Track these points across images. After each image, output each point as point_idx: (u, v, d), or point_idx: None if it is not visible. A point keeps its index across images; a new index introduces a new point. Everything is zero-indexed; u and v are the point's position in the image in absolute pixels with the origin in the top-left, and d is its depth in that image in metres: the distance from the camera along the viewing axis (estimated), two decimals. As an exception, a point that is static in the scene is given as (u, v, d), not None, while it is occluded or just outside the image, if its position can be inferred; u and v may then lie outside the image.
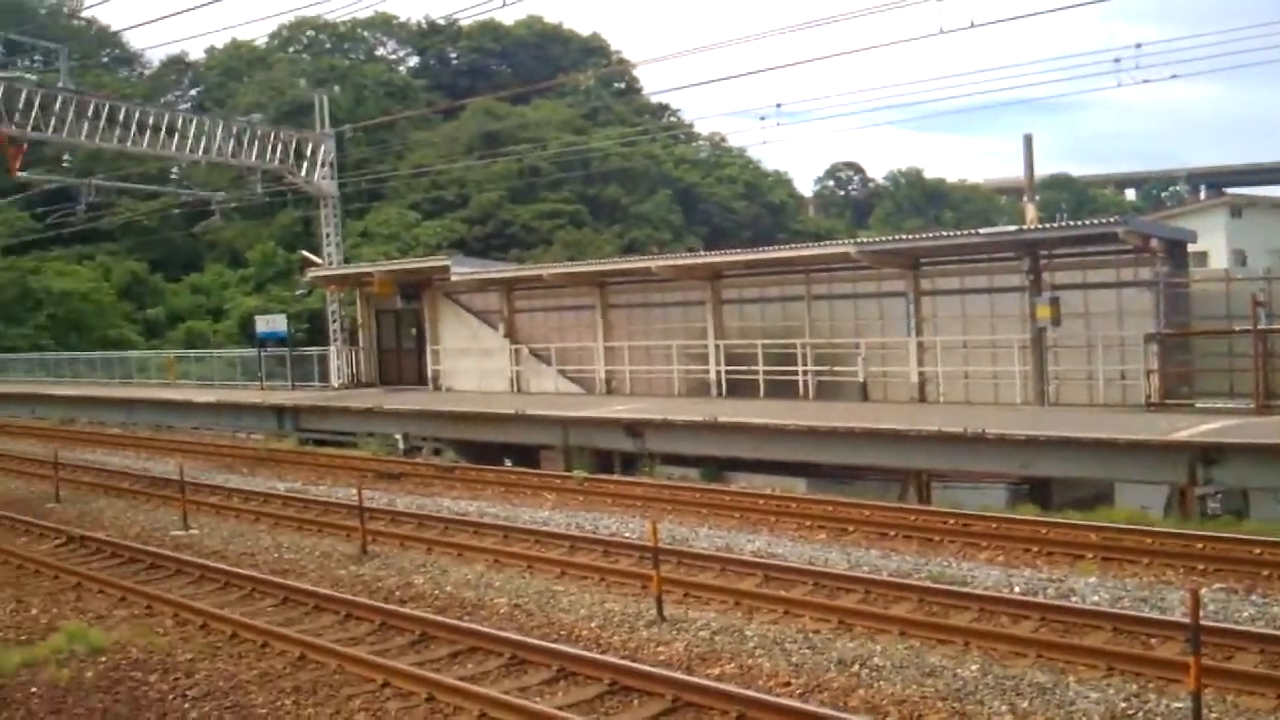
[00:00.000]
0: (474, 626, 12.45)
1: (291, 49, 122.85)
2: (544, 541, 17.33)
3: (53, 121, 33.09)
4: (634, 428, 25.68)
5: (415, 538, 18.06)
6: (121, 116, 35.09)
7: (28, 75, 33.50)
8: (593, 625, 12.84)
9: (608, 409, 27.32)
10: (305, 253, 48.59)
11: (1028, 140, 35.92)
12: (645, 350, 32.17)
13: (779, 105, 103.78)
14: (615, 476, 24.34)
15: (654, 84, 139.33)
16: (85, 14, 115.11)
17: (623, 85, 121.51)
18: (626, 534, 17.84)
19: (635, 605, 13.49)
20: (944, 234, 29.25)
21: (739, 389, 29.68)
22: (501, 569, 15.88)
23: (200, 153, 37.09)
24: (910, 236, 29.65)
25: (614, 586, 14.61)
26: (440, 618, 12.90)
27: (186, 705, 10.61)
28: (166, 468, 27.71)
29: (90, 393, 46.48)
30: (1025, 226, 28.46)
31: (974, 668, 10.72)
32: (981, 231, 27.31)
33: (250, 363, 43.93)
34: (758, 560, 15.45)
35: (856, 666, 10.89)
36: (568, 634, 12.58)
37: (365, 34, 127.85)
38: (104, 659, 12.02)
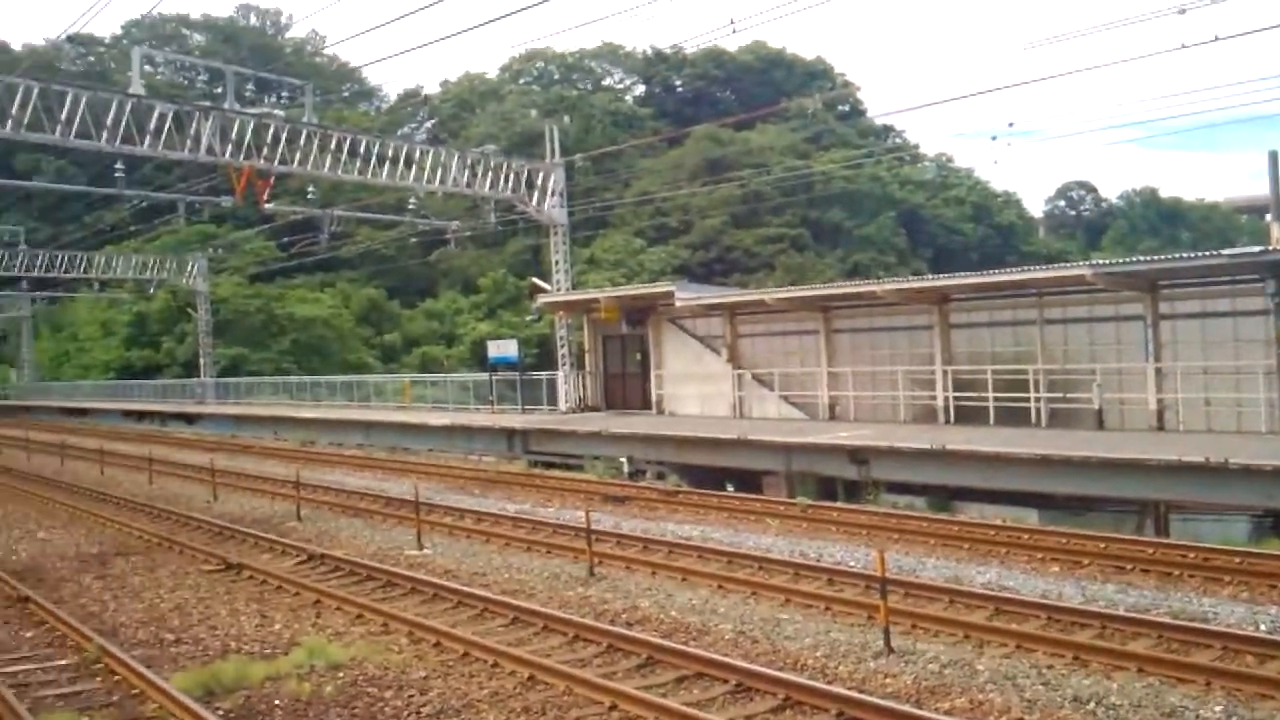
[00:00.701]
0: (700, 652, 12.50)
1: (522, 80, 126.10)
2: (768, 568, 17.29)
3: (298, 155, 34.67)
4: (858, 454, 25.42)
5: (641, 561, 18.24)
6: (362, 149, 36.55)
7: (276, 111, 35.17)
8: (818, 654, 12.76)
9: (831, 435, 27.11)
10: (535, 279, 49.62)
11: (1272, 157, 34.26)
12: (870, 375, 31.83)
13: (1011, 124, 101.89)
14: (839, 504, 24.11)
15: (879, 106, 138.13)
16: (327, 51, 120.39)
17: (847, 108, 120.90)
18: (851, 562, 17.67)
19: (861, 635, 13.36)
20: (1183, 255, 28.09)
21: (967, 416, 29.11)
22: (726, 594, 15.92)
23: (436, 183, 38.32)
24: (1147, 258, 28.59)
25: (839, 615, 14.49)
26: (666, 642, 13.00)
27: (421, 722, 10.96)
28: (402, 488, 28.61)
29: (330, 415, 48.33)
30: (1270, 247, 27.21)
31: (1217, 709, 10.29)
32: (1224, 253, 26.15)
33: (482, 386, 45.05)
34: (988, 592, 15.11)
35: (1092, 704, 10.56)
36: (793, 662, 12.52)
37: (593, 64, 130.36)
38: (342, 674, 12.48)
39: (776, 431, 28.79)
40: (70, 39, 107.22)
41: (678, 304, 35.47)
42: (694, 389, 36.32)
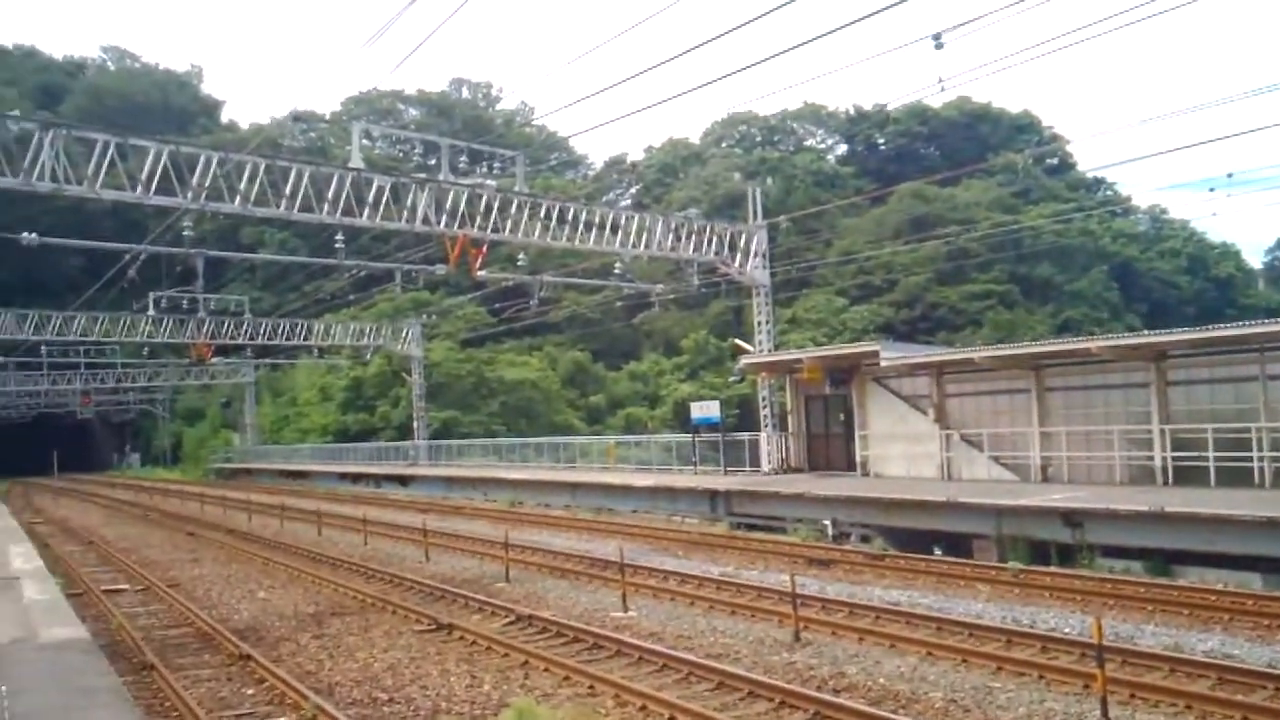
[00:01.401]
0: (908, 721, 12.22)
1: (724, 144, 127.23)
2: (979, 634, 16.81)
3: (509, 223, 35.54)
4: (1072, 517, 24.60)
5: (847, 626, 17.92)
6: (570, 216, 37.29)
7: (488, 181, 36.18)
8: (1033, 725, 12.34)
9: (1044, 497, 26.29)
10: (737, 341, 49.68)
11: None
12: (1084, 435, 30.84)
13: (1230, 174, 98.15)
14: (1052, 568, 23.34)
15: (1088, 159, 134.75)
16: (536, 122, 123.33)
17: (1055, 161, 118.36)
18: (1066, 629, 17.07)
19: (1077, 705, 12.88)
20: None
21: (1186, 476, 27.92)
22: (935, 661, 15.53)
23: (641, 247, 38.81)
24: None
25: (1054, 684, 13.98)
26: (874, 710, 12.72)
27: (627, 785, 10.92)
28: (606, 549, 28.76)
29: (537, 476, 49.02)
30: None
31: None
32: None
33: (685, 447, 45.16)
34: (1211, 661, 14.42)
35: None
36: (1007, 733, 12.14)
37: (795, 125, 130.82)
38: (549, 737, 12.58)
39: (986, 493, 28.06)
40: (294, 117, 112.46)
41: (883, 363, 35.02)
42: (900, 449, 35.74)
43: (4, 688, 11.28)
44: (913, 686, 14.22)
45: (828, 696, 13.50)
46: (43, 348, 71.90)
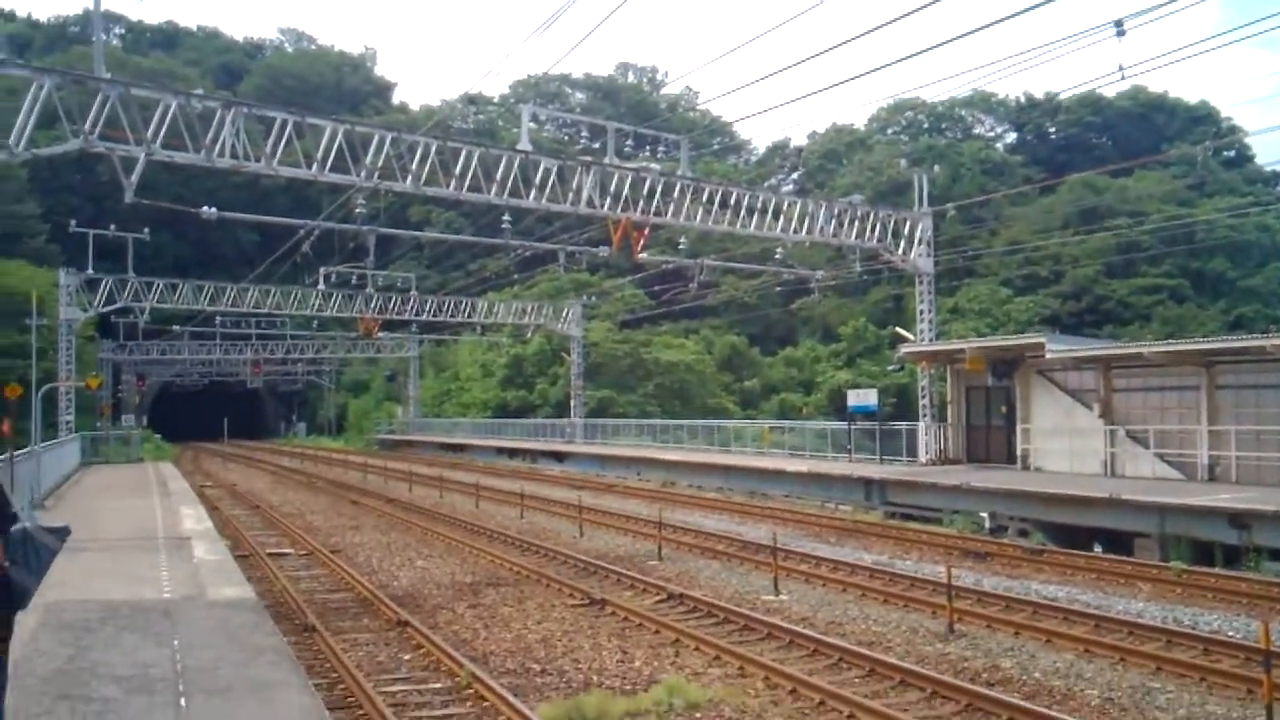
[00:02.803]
0: (1064, 717, 11.99)
1: (890, 130, 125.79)
2: (1138, 634, 16.42)
3: (671, 207, 35.69)
4: (1239, 519, 23.83)
5: (1002, 620, 17.65)
6: (732, 201, 37.30)
7: (652, 165, 36.36)
8: (1193, 728, 12.05)
9: (1210, 497, 25.53)
10: (898, 329, 49.18)
11: None
12: (1255, 435, 29.86)
13: None
14: (1216, 570, 22.67)
15: (1268, 152, 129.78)
16: (700, 106, 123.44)
17: (1233, 153, 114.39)
18: (1229, 632, 16.59)
19: (1240, 710, 12.56)
20: None
21: (1365, 483, 26.88)
22: (1092, 659, 15.23)
23: (803, 233, 38.64)
24: None
25: (1216, 688, 13.61)
26: (1028, 704, 12.54)
27: (775, 767, 10.96)
28: (758, 533, 28.78)
29: (690, 458, 49.16)
30: None
31: None
32: None
33: (839, 435, 44.88)
34: (1388, 675, 13.88)
35: None
36: (1165, 734, 11.88)
37: (963, 113, 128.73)
38: (699, 715, 12.64)
39: (1150, 491, 27.32)
40: (466, 99, 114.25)
41: (1048, 356, 34.33)
42: (1062, 444, 35.02)
43: (177, 641, 11.76)
44: (1068, 683, 13.97)
45: (981, 689, 13.34)
46: (217, 318, 74.35)
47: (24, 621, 13.00)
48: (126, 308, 62.55)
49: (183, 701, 9.28)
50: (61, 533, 6.55)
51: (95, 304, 58.22)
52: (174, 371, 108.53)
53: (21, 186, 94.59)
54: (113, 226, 54.82)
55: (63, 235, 64.46)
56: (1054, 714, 12.19)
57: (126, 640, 11.98)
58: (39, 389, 33.95)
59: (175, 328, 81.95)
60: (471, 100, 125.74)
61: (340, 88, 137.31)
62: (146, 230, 56.35)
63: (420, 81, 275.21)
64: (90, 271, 56.67)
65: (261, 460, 74.68)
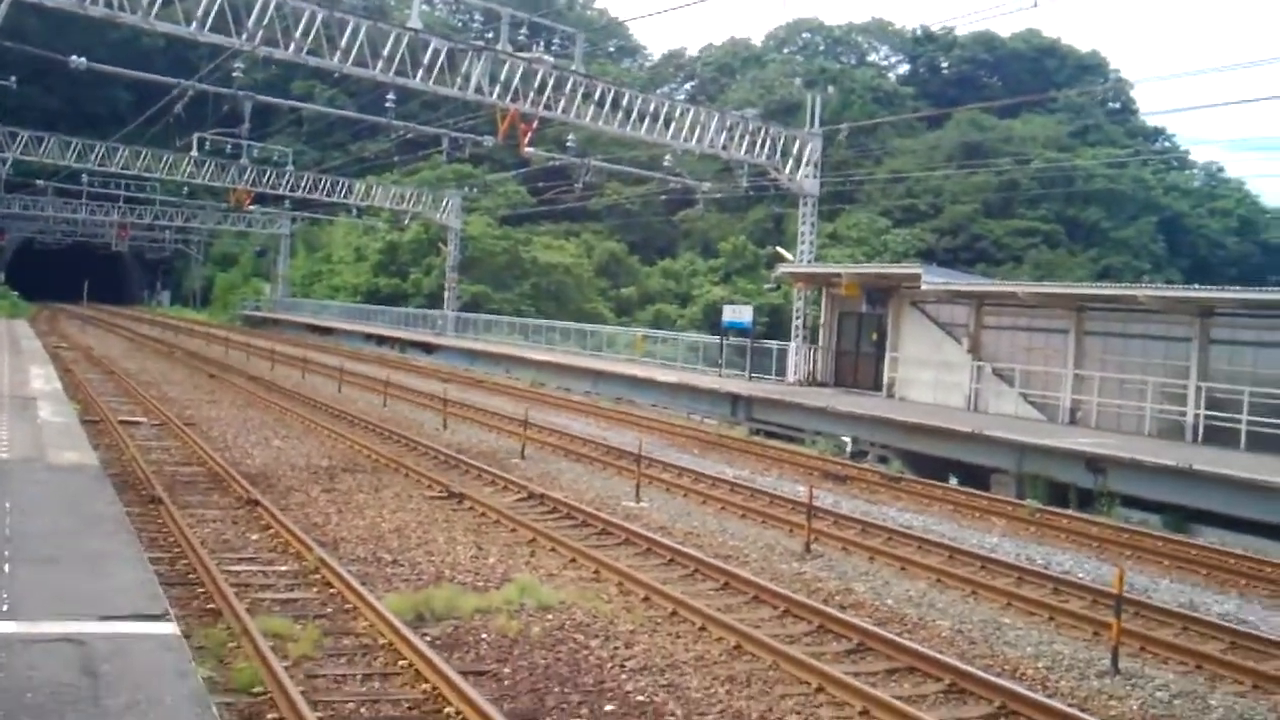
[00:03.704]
0: (915, 645, 12.01)
1: (785, 49, 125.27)
2: (991, 568, 16.57)
3: (562, 103, 34.96)
4: (1096, 463, 24.26)
5: (858, 544, 17.71)
6: (624, 102, 36.65)
7: (545, 56, 35.45)
8: (1039, 665, 12.13)
9: (1070, 440, 25.92)
10: (778, 248, 49.18)
11: None
12: (1118, 383, 30.41)
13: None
14: (1070, 511, 23.07)
15: (1151, 105, 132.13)
16: (598, 4, 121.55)
17: (1117, 105, 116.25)
18: (1080, 574, 16.83)
19: (1086, 652, 12.65)
20: None
21: (1217, 437, 27.45)
22: (945, 590, 15.33)
23: (693, 143, 38.20)
24: None
25: (1064, 628, 13.75)
26: (880, 630, 12.55)
27: (624, 676, 10.77)
28: (623, 439, 28.64)
29: (561, 360, 48.83)
30: None
31: None
32: None
33: (711, 349, 44.86)
34: (1225, 624, 14.15)
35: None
36: (1011, 670, 11.94)
37: (859, 39, 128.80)
38: (550, 617, 12.45)
39: (1011, 429, 27.66)
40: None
41: (923, 287, 34.49)
42: (929, 376, 35.36)
43: (8, 504, 11.15)
44: (921, 612, 14.02)
45: (834, 611, 13.34)
46: (83, 176, 71.70)
47: None
48: (-14, 157, 59.97)
49: (6, 567, 8.74)
50: None
51: (-47, 151, 55.67)
52: (36, 228, 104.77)
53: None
54: (-26, 73, 52.16)
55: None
56: (904, 640, 12.23)
57: (-48, 499, 11.37)
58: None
59: (39, 182, 78.79)
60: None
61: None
62: (14, 79, 53.80)
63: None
64: (-50, 117, 54.05)
65: (121, 326, 72.73)
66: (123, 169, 63.94)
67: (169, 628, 7.52)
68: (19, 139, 58.00)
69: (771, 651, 11.49)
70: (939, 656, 11.64)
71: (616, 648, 11.54)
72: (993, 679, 11.01)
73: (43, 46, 38.38)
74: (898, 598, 14.68)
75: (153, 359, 47.35)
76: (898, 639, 12.24)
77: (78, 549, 9.66)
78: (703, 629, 12.33)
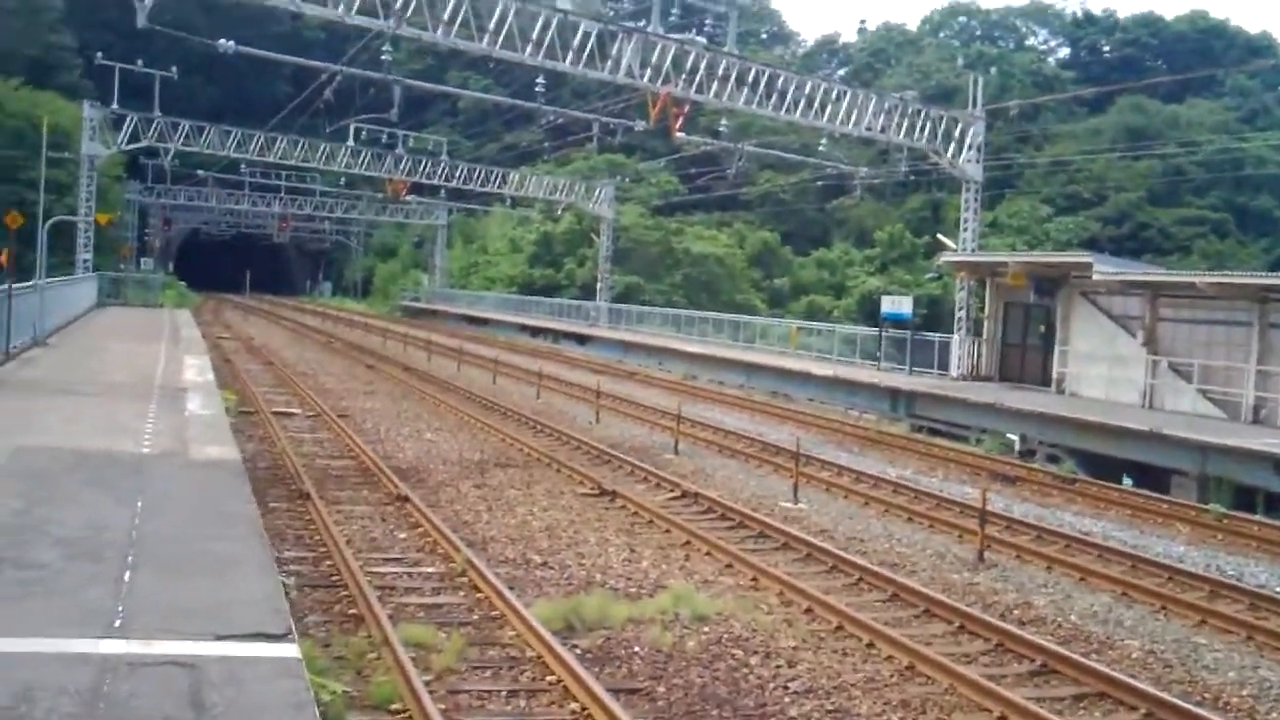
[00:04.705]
0: (1104, 669, 11.00)
1: (942, 34, 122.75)
2: (1179, 580, 15.38)
3: (714, 86, 34.17)
4: (1287, 466, 22.72)
5: (1033, 551, 16.61)
6: (779, 85, 35.71)
7: (698, 38, 34.71)
8: (1244, 693, 11.04)
9: (1257, 440, 24.34)
10: (940, 236, 47.69)
11: None
12: (1307, 380, 28.58)
13: None
14: (1258, 517, 21.58)
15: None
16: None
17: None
18: (1277, 587, 15.54)
19: (1297, 678, 11.50)
20: None
21: None
22: (1131, 604, 14.20)
23: (850, 126, 37.13)
24: None
25: (1267, 650, 12.58)
26: (1064, 650, 11.56)
27: (787, 699, 9.99)
28: (779, 435, 27.85)
29: (714, 352, 48.05)
30: None
31: None
32: None
33: (868, 342, 43.72)
34: None
35: None
36: (1214, 698, 10.88)
37: (1018, 22, 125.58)
38: (706, 629, 11.72)
39: (1191, 428, 26.09)
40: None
41: (1095, 277, 32.94)
42: (1100, 370, 33.75)
43: (140, 503, 10.77)
44: (1107, 630, 12.94)
45: (1012, 627, 12.36)
46: (243, 167, 73.12)
47: (-20, 466, 12.11)
48: (153, 148, 61.38)
49: (127, 575, 8.28)
50: None
51: (120, 141, 56.95)
52: (202, 219, 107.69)
53: (57, 17, 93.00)
54: (139, 62, 53.36)
55: (99, 73, 63.09)
56: (1092, 663, 11.24)
57: (87, 496, 10.98)
58: (46, 222, 32.83)
59: (201, 172, 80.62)
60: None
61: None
62: (175, 69, 54.85)
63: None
64: (115, 107, 55.29)
65: (283, 316, 74.02)
66: (281, 158, 64.89)
67: (290, 650, 6.93)
68: (180, 128, 59.10)
69: (947, 673, 10.61)
70: (1133, 682, 10.63)
71: (778, 666, 10.76)
72: (1195, 710, 9.97)
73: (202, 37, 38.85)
74: (1081, 613, 13.63)
75: (312, 349, 47.85)
76: (1085, 660, 11.25)
77: (204, 554, 9.18)
78: (871, 646, 11.48)
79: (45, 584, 7.95)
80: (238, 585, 8.30)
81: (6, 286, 24.45)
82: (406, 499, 16.77)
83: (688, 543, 15.69)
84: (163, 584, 8.15)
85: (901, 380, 36.60)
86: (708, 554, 15.13)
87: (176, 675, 6.36)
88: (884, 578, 14.07)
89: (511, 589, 12.28)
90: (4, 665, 6.39)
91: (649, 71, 32.83)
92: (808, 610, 12.64)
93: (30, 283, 29.71)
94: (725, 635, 11.58)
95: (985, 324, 39.20)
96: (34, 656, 6.53)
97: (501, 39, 30.14)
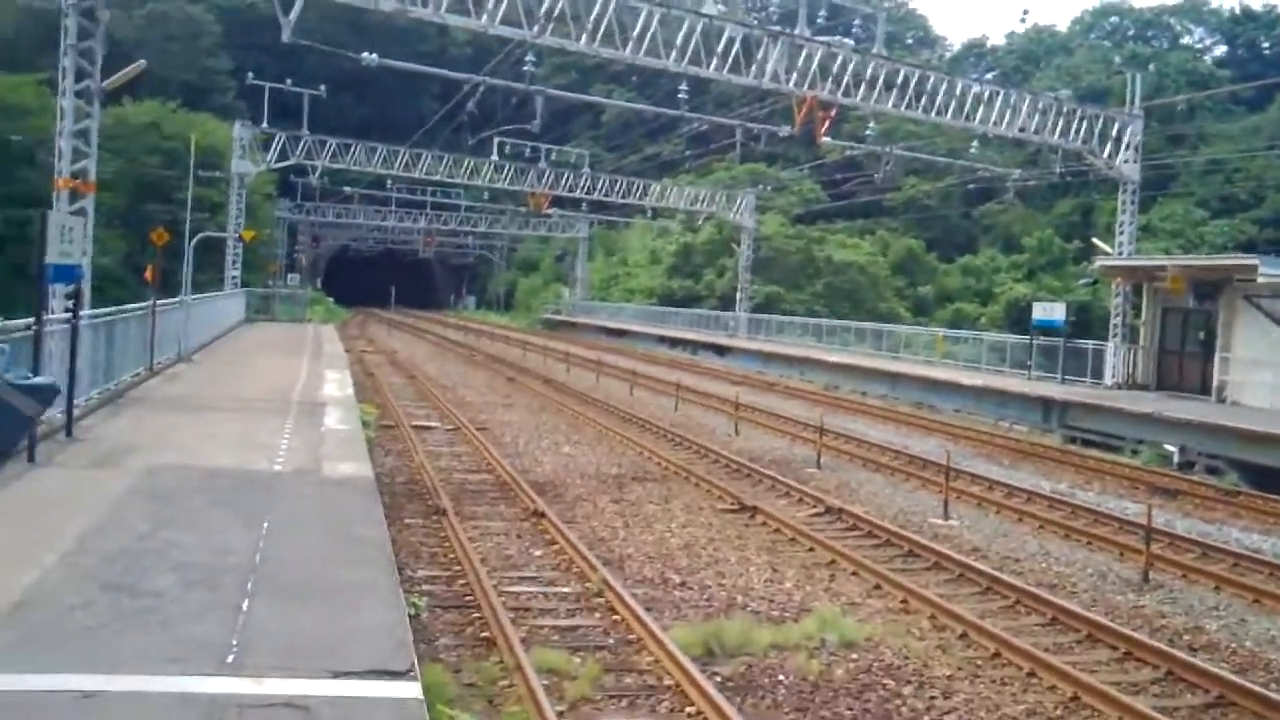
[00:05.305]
0: (1290, 703, 10.15)
1: (1093, 35, 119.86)
2: (1363, 604, 14.32)
3: (861, 89, 33.45)
4: None
5: (1200, 570, 15.62)
6: (929, 86, 34.82)
7: (845, 40, 34.04)
8: None
9: None
10: (1094, 240, 46.16)
11: None
12: None
13: None
14: None
15: None
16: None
17: None
18: None
19: None
20: None
21: None
22: (1311, 629, 13.23)
23: (1003, 127, 36.09)
24: None
25: None
26: (1241, 680, 10.71)
27: (943, 733, 9.37)
28: (925, 447, 27.04)
29: (856, 362, 47.17)
30: None
31: None
32: None
33: (1016, 350, 42.47)
34: None
35: None
36: None
37: (1172, 21, 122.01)
38: (855, 656, 11.10)
39: (1369, 439, 24.67)
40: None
41: (1260, 280, 31.46)
42: (1265, 378, 32.15)
43: (267, 524, 10.52)
44: (1287, 657, 12.04)
45: (1183, 654, 11.52)
46: (389, 182, 74.25)
47: (112, 484, 12.02)
48: (301, 166, 62.63)
49: (245, 604, 7.97)
50: (43, 392, 4.89)
51: (269, 159, 58.15)
52: (350, 236, 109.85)
53: (215, 41, 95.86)
54: (289, 81, 54.37)
55: (251, 94, 64.61)
56: (1273, 695, 10.37)
57: (213, 517, 10.75)
58: (192, 238, 33.34)
59: (348, 189, 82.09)
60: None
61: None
62: (323, 88, 55.72)
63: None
64: (265, 126, 56.47)
65: (426, 330, 74.84)
66: (426, 174, 65.65)
67: (411, 689, 6.48)
68: (327, 146, 60.13)
69: (1115, 705, 9.87)
70: (1322, 720, 9.78)
71: (933, 697, 10.11)
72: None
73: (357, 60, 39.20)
74: (1257, 638, 12.70)
75: (454, 363, 48.11)
76: (1267, 692, 10.39)
77: (328, 580, 8.83)
78: (1031, 675, 10.75)
79: (159, 613, 7.65)
80: (361, 615, 7.93)
81: (151, 303, 24.75)
82: (543, 514, 16.43)
83: (833, 562, 15.07)
84: (281, 614, 7.82)
85: (1053, 389, 35.34)
86: (854, 574, 14.49)
87: (287, 719, 5.99)
88: (1043, 600, 13.28)
89: (649, 611, 11.82)
90: (106, 706, 6.08)
91: (794, 76, 32.23)
92: (962, 635, 11.94)
93: (176, 299, 30.15)
94: (875, 663, 10.96)
95: (1141, 330, 37.79)
96: (139, 696, 6.20)
97: (645, 47, 29.82)
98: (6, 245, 41.82)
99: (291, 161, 59.49)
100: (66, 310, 16.46)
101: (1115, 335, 38.18)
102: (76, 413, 15.45)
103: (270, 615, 7.77)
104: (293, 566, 9.19)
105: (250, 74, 56.36)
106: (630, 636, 11.21)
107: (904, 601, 13.21)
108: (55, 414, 14.80)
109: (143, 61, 26.18)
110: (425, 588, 12.50)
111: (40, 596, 7.97)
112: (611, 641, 11.13)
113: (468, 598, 12.27)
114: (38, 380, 4.36)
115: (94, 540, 9.67)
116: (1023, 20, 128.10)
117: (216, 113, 73.73)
